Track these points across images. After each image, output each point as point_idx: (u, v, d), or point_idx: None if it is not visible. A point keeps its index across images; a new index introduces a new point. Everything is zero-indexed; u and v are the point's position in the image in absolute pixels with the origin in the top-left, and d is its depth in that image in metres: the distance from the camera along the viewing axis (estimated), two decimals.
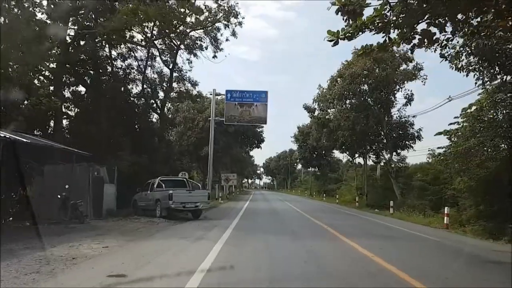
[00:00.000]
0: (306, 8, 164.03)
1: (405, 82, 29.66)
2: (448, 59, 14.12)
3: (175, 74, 26.49)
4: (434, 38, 7.16)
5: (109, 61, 24.90)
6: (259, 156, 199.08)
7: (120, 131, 23.07)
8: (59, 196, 14.60)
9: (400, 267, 7.13)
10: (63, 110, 22.86)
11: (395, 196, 31.23)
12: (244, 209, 24.26)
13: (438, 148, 20.51)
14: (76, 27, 20.61)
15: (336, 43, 6.78)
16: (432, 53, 28.71)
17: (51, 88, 20.19)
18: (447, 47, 10.68)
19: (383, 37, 7.04)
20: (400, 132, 30.64)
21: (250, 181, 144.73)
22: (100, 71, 24.10)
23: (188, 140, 37.45)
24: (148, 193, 17.80)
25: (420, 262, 8.62)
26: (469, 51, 14.36)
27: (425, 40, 7.09)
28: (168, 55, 25.14)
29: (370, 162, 40.10)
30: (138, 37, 24.21)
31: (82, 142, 22.86)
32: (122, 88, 24.90)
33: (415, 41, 7.17)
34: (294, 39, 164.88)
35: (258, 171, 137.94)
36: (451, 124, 19.11)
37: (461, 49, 14.18)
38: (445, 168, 18.57)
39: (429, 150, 28.82)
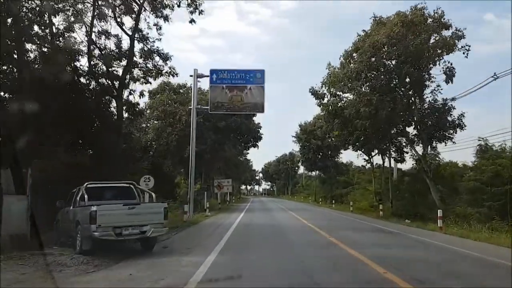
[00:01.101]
0: (301, 15, 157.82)
1: (442, 54, 22.83)
2: None
3: (139, 46, 19.58)
4: None
5: (47, 27, 18.12)
6: (257, 160, 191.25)
7: (56, 119, 16.16)
8: None
9: None
10: None
11: (429, 202, 24.37)
12: (235, 227, 17.18)
13: None
14: None
15: None
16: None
17: None
18: None
19: None
20: (437, 118, 23.67)
21: (248, 187, 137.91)
22: (35, 39, 17.39)
23: (168, 138, 30.47)
24: (70, 209, 10.84)
25: None
26: None
27: None
28: (123, 10, 18.10)
29: (386, 163, 33.62)
30: None
31: None
32: (67, 64, 18.05)
33: None
34: (290, 45, 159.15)
35: (257, 177, 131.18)
36: None
37: None
38: None
39: (479, 139, 22.12)
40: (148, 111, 33.20)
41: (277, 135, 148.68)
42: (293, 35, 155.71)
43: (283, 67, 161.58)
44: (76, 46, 18.45)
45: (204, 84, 28.05)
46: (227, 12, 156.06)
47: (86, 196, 9.90)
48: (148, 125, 32.58)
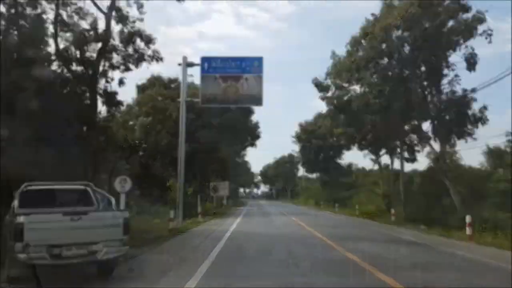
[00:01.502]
0: (300, 18, 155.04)
1: (461, 40, 20.30)
2: None
3: (118, 27, 16.99)
4: None
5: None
6: (256, 163, 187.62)
7: (12, 108, 13.55)
8: None
9: None
10: None
11: (445, 206, 21.84)
12: (228, 236, 14.47)
13: None
14: None
15: None
16: None
17: None
18: None
19: None
20: (456, 112, 21.09)
21: (247, 190, 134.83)
22: None
23: (158, 136, 27.80)
24: (6, 219, 8.16)
25: None
26: None
27: None
28: None
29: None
30: None
31: None
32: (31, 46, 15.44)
33: None
34: (289, 48, 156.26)
35: (255, 180, 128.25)
36: None
37: None
38: None
39: (507, 136, 19.54)
40: (136, 108, 30.66)
41: (276, 138, 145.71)
42: (292, 37, 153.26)
43: (282, 70, 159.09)
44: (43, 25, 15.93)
45: (197, 78, 25.53)
46: (225, 16, 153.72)
47: (17, 202, 7.23)
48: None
